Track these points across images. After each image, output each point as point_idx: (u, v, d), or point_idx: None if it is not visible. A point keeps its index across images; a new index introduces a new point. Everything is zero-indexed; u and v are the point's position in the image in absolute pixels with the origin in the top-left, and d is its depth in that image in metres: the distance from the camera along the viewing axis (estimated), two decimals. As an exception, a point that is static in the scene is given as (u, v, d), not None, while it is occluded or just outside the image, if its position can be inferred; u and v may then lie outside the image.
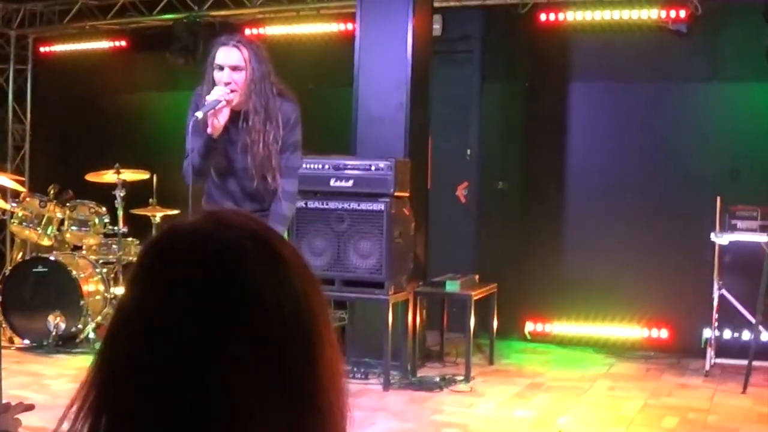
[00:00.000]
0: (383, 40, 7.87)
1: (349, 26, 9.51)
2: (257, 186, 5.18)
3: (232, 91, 4.99)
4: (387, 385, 7.17)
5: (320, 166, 7.37)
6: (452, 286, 7.82)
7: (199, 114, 4.92)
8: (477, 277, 8.28)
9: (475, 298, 7.75)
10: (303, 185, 7.23)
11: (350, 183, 7.29)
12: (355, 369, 7.58)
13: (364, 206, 7.19)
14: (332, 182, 7.33)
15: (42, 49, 11.89)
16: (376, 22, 7.90)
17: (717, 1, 8.71)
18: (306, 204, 7.28)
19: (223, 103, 4.95)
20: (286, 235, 5.27)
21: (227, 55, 5.04)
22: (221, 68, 5.05)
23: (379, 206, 7.14)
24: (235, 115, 5.11)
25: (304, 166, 7.18)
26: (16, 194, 8.87)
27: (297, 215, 7.21)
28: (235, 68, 5.01)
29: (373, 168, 7.22)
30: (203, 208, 5.28)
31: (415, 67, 7.84)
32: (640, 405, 6.95)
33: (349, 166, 7.33)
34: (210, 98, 4.96)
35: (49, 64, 11.81)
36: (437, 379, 7.52)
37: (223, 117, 5.00)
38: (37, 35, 11.85)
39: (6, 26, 11.65)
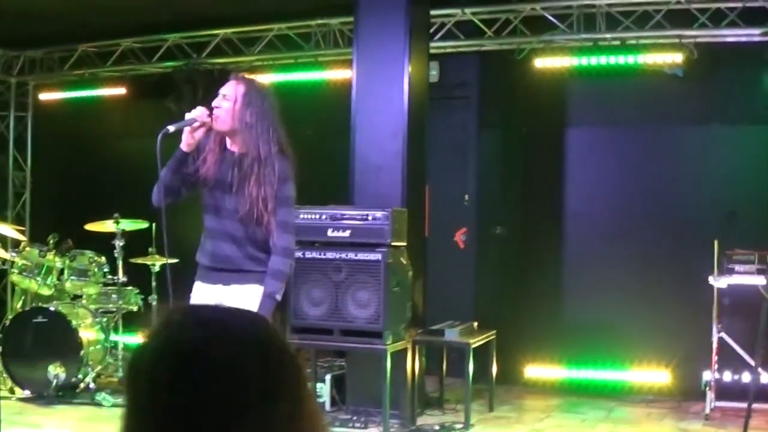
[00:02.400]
0: (380, 88, 7.90)
1: (347, 73, 9.53)
2: (248, 230, 5.11)
3: (209, 115, 5.09)
4: (387, 435, 7.16)
5: (317, 216, 7.39)
6: (451, 334, 7.81)
7: (171, 128, 5.08)
8: (475, 323, 8.28)
9: (474, 345, 7.75)
10: (301, 235, 7.26)
11: (347, 233, 7.30)
12: (354, 418, 7.58)
13: (361, 256, 7.19)
14: (329, 232, 7.34)
15: (42, 96, 11.94)
16: (373, 69, 7.94)
17: (713, 45, 8.75)
18: (304, 254, 7.29)
19: (198, 123, 5.06)
20: (282, 290, 5.18)
21: (226, 86, 5.19)
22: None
23: (376, 256, 7.14)
24: (229, 154, 5.17)
25: (301, 216, 7.26)
26: (16, 243, 8.89)
27: (295, 266, 7.23)
28: (225, 96, 5.13)
29: (370, 218, 7.24)
30: (198, 254, 5.35)
31: (413, 115, 7.86)
32: (640, 452, 6.95)
33: (346, 216, 7.34)
34: (188, 116, 5.10)
35: (49, 111, 11.86)
36: (437, 427, 7.51)
37: (198, 135, 5.10)
38: (37, 82, 11.91)
39: (6, 73, 11.72)
